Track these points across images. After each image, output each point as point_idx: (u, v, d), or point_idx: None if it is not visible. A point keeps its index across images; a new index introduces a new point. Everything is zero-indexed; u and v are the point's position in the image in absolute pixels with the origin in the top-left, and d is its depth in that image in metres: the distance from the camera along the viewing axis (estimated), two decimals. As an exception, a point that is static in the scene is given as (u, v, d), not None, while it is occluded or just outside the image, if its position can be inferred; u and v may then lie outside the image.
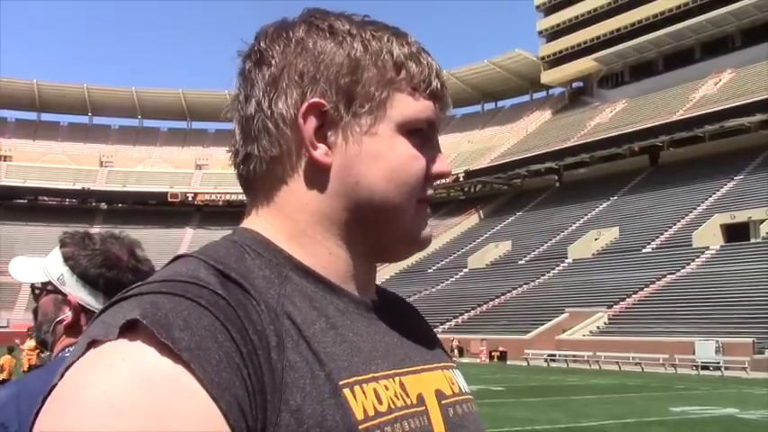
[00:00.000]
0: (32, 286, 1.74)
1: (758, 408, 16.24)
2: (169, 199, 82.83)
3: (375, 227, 0.85)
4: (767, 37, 58.43)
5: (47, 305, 1.71)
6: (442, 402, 0.84)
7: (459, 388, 0.90)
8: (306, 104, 0.81)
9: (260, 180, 0.84)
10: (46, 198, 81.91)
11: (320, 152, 0.81)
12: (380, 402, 0.75)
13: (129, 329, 0.65)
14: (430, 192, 0.87)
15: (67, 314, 1.68)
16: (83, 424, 0.61)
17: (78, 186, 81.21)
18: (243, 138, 0.85)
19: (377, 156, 0.82)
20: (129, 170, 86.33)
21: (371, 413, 0.73)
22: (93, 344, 0.66)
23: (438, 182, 0.91)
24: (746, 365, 28.58)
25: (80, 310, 1.67)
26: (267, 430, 0.68)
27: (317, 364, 0.72)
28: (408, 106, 0.84)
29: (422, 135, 0.85)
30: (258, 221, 0.85)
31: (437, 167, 0.87)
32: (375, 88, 0.83)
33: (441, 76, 0.88)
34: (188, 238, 79.69)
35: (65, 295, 1.69)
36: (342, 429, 0.70)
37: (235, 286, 0.73)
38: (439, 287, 54.72)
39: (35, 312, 1.78)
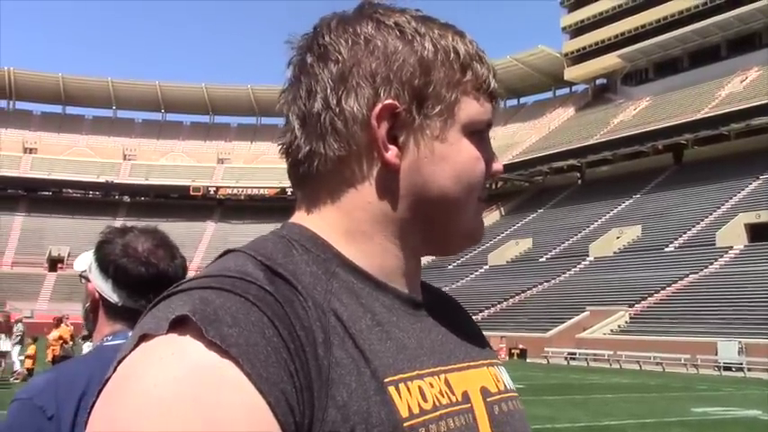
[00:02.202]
0: (80, 275, 1.82)
1: (782, 410, 16.05)
2: (191, 192, 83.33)
3: (437, 225, 0.85)
4: (795, 34, 57.55)
5: (89, 291, 1.77)
6: (488, 400, 0.84)
7: (505, 385, 0.90)
8: (380, 105, 0.80)
9: (324, 178, 0.83)
10: (70, 191, 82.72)
11: (392, 154, 0.81)
12: (425, 400, 0.75)
13: (180, 324, 0.66)
14: (485, 191, 0.88)
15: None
16: (135, 417, 0.62)
17: (102, 179, 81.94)
18: (306, 134, 0.82)
19: (445, 157, 0.82)
20: (152, 163, 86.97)
21: (416, 411, 0.73)
22: (144, 338, 0.67)
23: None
24: (770, 367, 28.26)
25: (96, 297, 1.72)
26: (314, 426, 0.68)
27: (363, 361, 0.73)
28: (473, 108, 0.84)
29: (481, 135, 0.86)
30: (310, 217, 0.84)
31: (495, 167, 0.88)
32: (446, 90, 0.83)
33: (496, 76, 0.89)
34: (209, 232, 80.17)
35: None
36: (387, 426, 0.70)
37: (282, 282, 0.73)
38: (459, 284, 54.61)
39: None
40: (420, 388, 0.76)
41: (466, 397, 0.81)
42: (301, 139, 0.83)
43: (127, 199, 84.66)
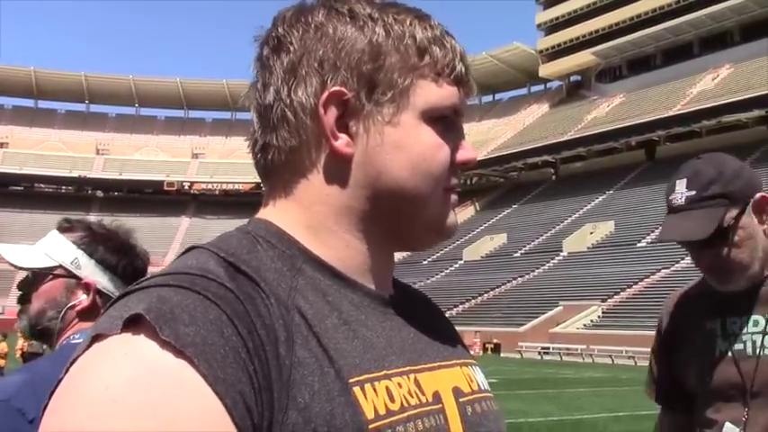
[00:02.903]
0: (33, 272, 1.69)
1: None
2: (165, 188, 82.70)
3: (398, 217, 0.82)
4: (765, 32, 58.38)
5: (56, 289, 1.66)
6: (460, 400, 0.81)
7: (479, 385, 0.87)
8: (326, 93, 0.78)
9: (278, 170, 0.82)
10: (42, 185, 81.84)
11: (341, 142, 0.79)
12: (393, 401, 0.73)
13: (134, 323, 0.64)
14: (455, 180, 0.85)
15: (81, 298, 1.65)
16: (85, 420, 0.61)
17: (75, 174, 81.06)
18: (261, 127, 0.82)
19: (400, 145, 0.80)
20: (126, 158, 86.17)
21: (383, 412, 0.71)
22: (97, 338, 0.65)
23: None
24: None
25: (97, 293, 1.65)
26: (274, 428, 0.66)
27: (327, 361, 0.71)
28: (432, 93, 0.81)
29: (446, 122, 0.82)
30: (275, 212, 0.82)
31: (462, 155, 0.84)
32: (398, 75, 0.80)
33: (465, 60, 0.85)
34: (184, 227, 79.66)
35: (79, 279, 1.66)
36: (351, 428, 0.68)
37: (245, 279, 0.71)
38: (434, 279, 54.80)
39: (26, 300, 1.71)
40: (387, 388, 0.73)
41: (437, 397, 0.78)
42: (259, 132, 0.82)
43: (100, 194, 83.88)
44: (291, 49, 0.80)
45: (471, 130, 79.86)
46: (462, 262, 57.25)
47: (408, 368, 0.78)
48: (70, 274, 1.66)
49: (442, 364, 0.83)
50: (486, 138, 75.88)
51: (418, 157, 0.80)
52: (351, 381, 0.71)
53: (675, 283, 39.70)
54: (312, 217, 0.80)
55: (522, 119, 77.06)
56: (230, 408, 0.63)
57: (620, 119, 61.74)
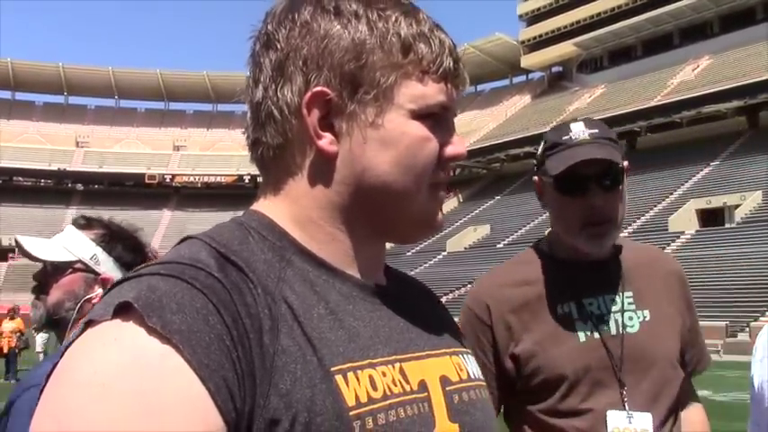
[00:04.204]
0: (53, 264, 1.76)
1: (731, 390, 16.51)
2: (146, 180, 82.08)
3: (384, 212, 0.83)
4: (745, 23, 58.81)
5: (75, 283, 1.75)
6: (447, 389, 0.82)
7: (468, 374, 0.87)
8: (309, 94, 0.78)
9: (269, 165, 0.84)
10: (21, 179, 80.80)
11: (325, 141, 0.79)
12: (375, 389, 0.74)
13: (124, 310, 0.66)
14: (444, 175, 0.84)
15: (98, 292, 1.73)
16: (75, 402, 0.63)
17: (54, 167, 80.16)
18: (253, 123, 0.83)
19: (384, 143, 0.80)
20: (106, 151, 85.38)
21: (364, 399, 0.72)
22: (90, 323, 0.68)
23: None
24: (720, 348, 29.03)
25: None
26: (255, 412, 0.67)
27: (310, 350, 0.72)
28: (417, 91, 0.80)
29: (435, 118, 0.82)
30: (267, 205, 0.84)
31: (451, 150, 0.84)
32: (381, 73, 0.79)
33: (454, 54, 0.84)
34: (166, 220, 79.15)
35: (97, 275, 1.75)
36: (331, 415, 0.69)
37: (234, 269, 0.73)
38: (417, 270, 54.84)
39: (42, 290, 1.77)
40: (371, 377, 0.74)
41: (423, 386, 0.79)
42: (251, 127, 0.84)
43: (80, 187, 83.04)
44: (279, 46, 0.80)
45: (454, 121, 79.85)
46: (446, 253, 57.35)
47: (394, 357, 0.78)
48: (89, 269, 1.75)
49: (431, 353, 0.84)
50: (468, 129, 75.92)
51: (402, 154, 0.80)
52: (333, 369, 0.72)
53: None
54: (300, 211, 0.82)
55: (504, 110, 77.15)
56: (213, 392, 0.64)
57: (602, 110, 61.93)
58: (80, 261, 1.75)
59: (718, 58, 58.49)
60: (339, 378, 0.72)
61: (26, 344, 16.85)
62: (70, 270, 1.75)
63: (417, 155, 0.80)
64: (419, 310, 0.88)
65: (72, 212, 73.25)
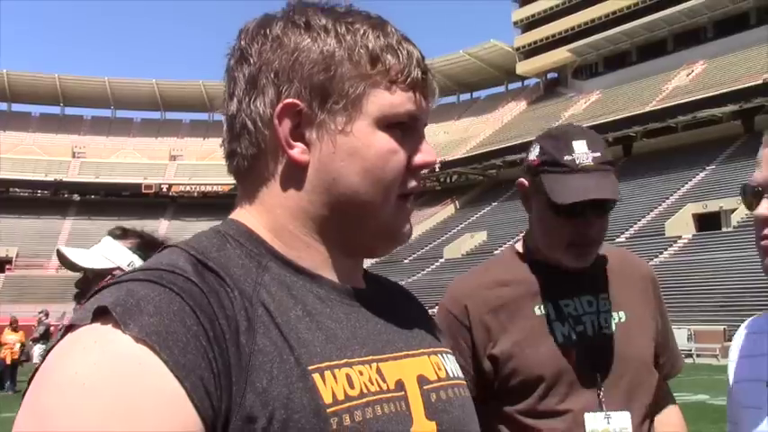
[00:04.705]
0: (93, 272, 1.87)
1: (729, 394, 16.48)
2: (143, 190, 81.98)
3: (352, 223, 0.84)
4: (739, 28, 59.00)
5: None
6: (424, 387, 0.84)
7: (447, 373, 0.89)
8: (280, 105, 0.81)
9: (244, 176, 0.86)
10: (17, 189, 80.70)
11: (297, 151, 0.82)
12: (352, 387, 0.75)
13: (104, 314, 0.69)
14: (413, 184, 0.86)
15: None
16: (56, 402, 0.64)
17: (50, 178, 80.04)
18: (228, 135, 0.86)
19: (353, 152, 0.82)
20: (103, 161, 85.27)
21: (341, 397, 0.74)
22: (70, 328, 0.71)
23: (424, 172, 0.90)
24: (717, 353, 28.99)
25: None
26: (232, 410, 0.69)
27: (288, 349, 0.74)
28: (385, 100, 0.82)
29: (404, 127, 0.84)
30: (244, 214, 0.86)
31: (420, 158, 0.85)
32: (349, 84, 0.81)
33: (422, 65, 0.86)
34: (163, 230, 78.94)
35: None
36: (308, 412, 0.71)
37: (211, 274, 0.75)
38: (415, 277, 54.81)
39: (83, 296, 1.89)
40: (348, 375, 0.76)
41: (400, 385, 0.81)
42: (227, 139, 0.87)
43: (77, 197, 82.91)
44: (252, 60, 0.83)
45: (450, 128, 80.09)
46: (443, 260, 57.32)
47: (371, 357, 0.80)
48: None
49: (409, 353, 0.86)
50: (464, 136, 76.03)
51: (371, 164, 0.82)
52: (310, 368, 0.74)
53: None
54: (274, 220, 0.84)
55: (500, 116, 77.23)
56: (190, 391, 0.66)
57: (597, 115, 62.07)
58: (119, 268, 1.85)
59: (713, 62, 58.68)
60: (316, 376, 0.73)
61: (27, 356, 16.88)
62: (110, 277, 1.82)
63: (385, 166, 0.82)
64: (397, 312, 0.89)
65: (69, 223, 73.26)
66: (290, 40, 0.82)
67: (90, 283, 1.87)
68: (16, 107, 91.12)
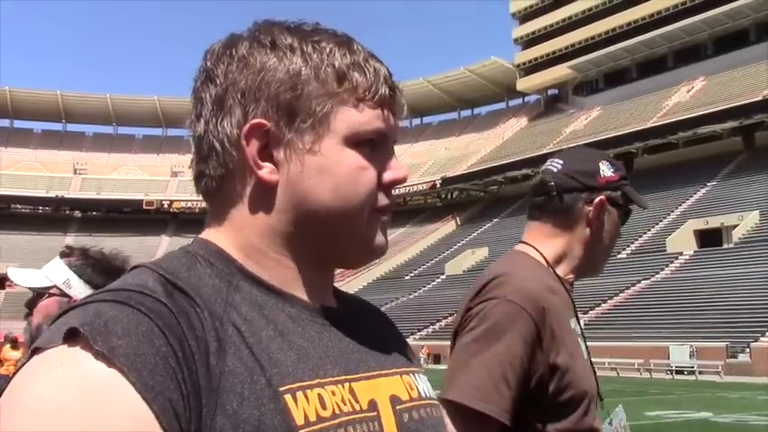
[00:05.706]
0: (33, 290, 1.92)
1: (732, 411, 16.42)
2: (144, 206, 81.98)
3: (324, 239, 0.85)
4: (738, 45, 59.29)
5: (51, 306, 1.86)
6: (397, 407, 0.84)
7: (420, 393, 0.89)
8: (247, 126, 0.81)
9: (213, 196, 0.86)
10: (19, 206, 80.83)
11: (265, 171, 0.82)
12: (324, 408, 0.75)
13: (71, 337, 0.67)
14: (385, 201, 0.86)
15: None
16: (21, 427, 0.63)
17: (52, 194, 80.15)
18: (196, 156, 0.86)
19: (322, 170, 0.82)
20: (104, 177, 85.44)
21: (313, 418, 0.73)
22: (37, 351, 0.69)
23: (396, 189, 0.90)
24: (720, 370, 28.92)
25: None
26: None
27: (259, 370, 0.73)
28: (353, 118, 0.82)
29: (373, 144, 0.84)
30: (214, 233, 0.86)
31: (390, 175, 0.85)
32: (316, 102, 0.81)
33: (390, 81, 0.86)
34: (164, 246, 79.01)
35: (70, 298, 1.86)
36: None
37: (180, 294, 0.74)
38: (416, 294, 54.73)
39: (28, 315, 1.95)
40: (320, 396, 0.75)
41: (373, 405, 0.80)
42: (195, 160, 0.87)
43: (78, 214, 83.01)
44: (218, 81, 0.83)
45: (451, 144, 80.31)
46: (444, 276, 57.24)
47: (344, 377, 0.79)
48: (63, 293, 1.88)
49: (381, 372, 0.85)
50: (465, 152, 76.19)
51: (340, 181, 0.82)
52: (282, 389, 0.73)
53: (655, 294, 39.98)
54: (244, 239, 0.84)
55: (501, 133, 77.44)
56: (158, 413, 0.65)
57: (598, 131, 62.23)
58: (55, 286, 1.88)
59: (713, 79, 58.90)
60: (288, 397, 0.73)
61: None
62: (47, 295, 1.88)
63: (355, 182, 0.82)
64: (369, 331, 0.89)
65: (70, 239, 73.13)
66: (256, 59, 0.82)
67: (33, 302, 1.93)
68: (18, 124, 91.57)
